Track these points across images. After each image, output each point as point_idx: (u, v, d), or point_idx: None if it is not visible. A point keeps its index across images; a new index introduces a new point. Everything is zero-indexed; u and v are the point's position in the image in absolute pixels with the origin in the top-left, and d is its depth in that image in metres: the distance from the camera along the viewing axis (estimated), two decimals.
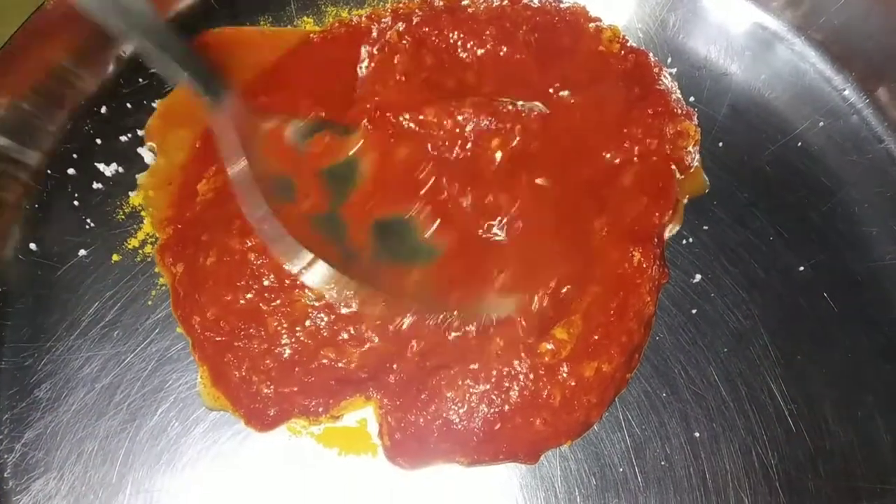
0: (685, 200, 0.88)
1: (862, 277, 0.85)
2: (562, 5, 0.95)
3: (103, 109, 0.92)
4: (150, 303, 0.83)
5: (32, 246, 0.85)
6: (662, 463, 0.77)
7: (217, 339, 0.78)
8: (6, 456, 0.76)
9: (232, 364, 0.78)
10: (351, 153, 0.83)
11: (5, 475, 0.76)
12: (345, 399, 0.78)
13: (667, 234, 0.86)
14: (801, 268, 0.85)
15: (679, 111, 0.89)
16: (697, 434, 0.78)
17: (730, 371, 0.81)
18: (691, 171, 0.89)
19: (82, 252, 0.85)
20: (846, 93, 0.94)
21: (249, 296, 0.78)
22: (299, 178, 0.81)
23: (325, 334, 0.78)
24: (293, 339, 0.78)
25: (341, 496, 0.76)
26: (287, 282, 0.78)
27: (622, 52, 0.93)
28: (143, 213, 0.87)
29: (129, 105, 0.92)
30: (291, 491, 0.76)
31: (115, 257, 0.85)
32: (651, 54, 0.93)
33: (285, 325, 0.77)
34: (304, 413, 0.77)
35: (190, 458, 0.77)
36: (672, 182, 0.86)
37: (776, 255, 0.85)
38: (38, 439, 0.77)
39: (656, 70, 0.92)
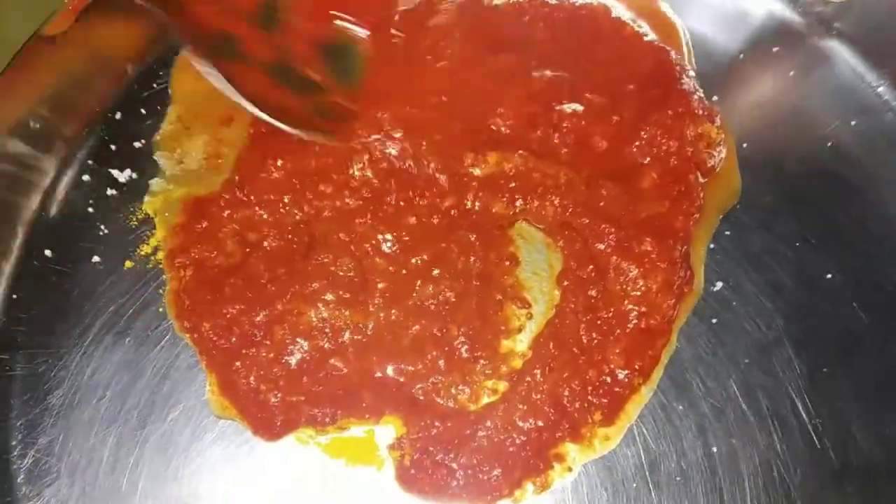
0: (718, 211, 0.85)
1: (894, 285, 0.80)
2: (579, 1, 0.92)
3: (118, 115, 0.92)
4: (161, 310, 0.83)
5: (48, 252, 0.85)
6: (678, 479, 0.75)
7: (225, 346, 0.78)
8: (20, 462, 0.77)
9: (240, 373, 0.77)
10: None
11: (19, 481, 0.77)
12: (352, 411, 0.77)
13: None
14: (829, 275, 0.81)
15: (700, 111, 0.86)
16: (715, 449, 0.75)
17: (751, 383, 0.77)
18: (718, 173, 0.85)
19: (96, 258, 0.85)
20: (880, 90, 0.89)
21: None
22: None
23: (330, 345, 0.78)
24: (299, 348, 0.78)
25: None
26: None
27: (642, 49, 0.90)
28: (155, 220, 0.87)
29: (143, 111, 0.92)
30: (297, 501, 0.75)
31: (127, 264, 0.85)
32: (672, 52, 0.89)
33: (291, 335, 0.77)
34: (311, 423, 0.76)
35: (198, 466, 0.77)
36: (693, 186, 0.83)
37: (803, 262, 0.82)
38: (51, 445, 0.78)
39: (678, 68, 0.88)
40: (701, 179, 0.84)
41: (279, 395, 0.76)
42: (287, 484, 0.76)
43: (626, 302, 0.78)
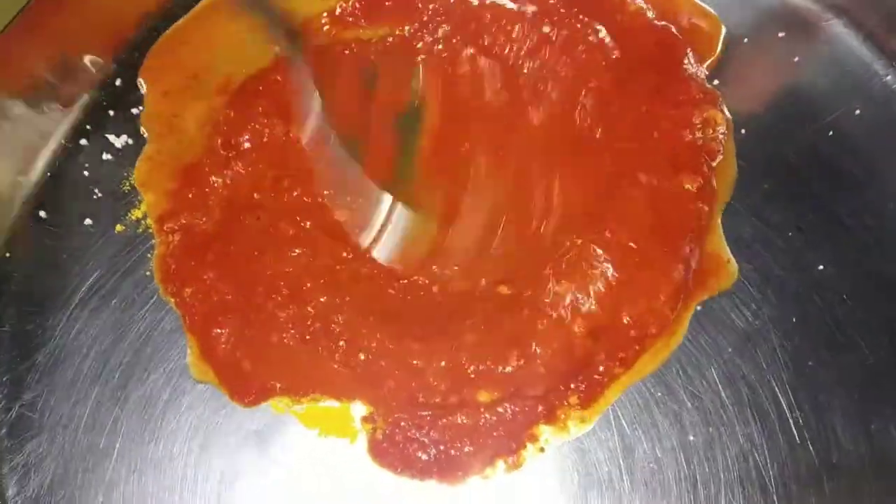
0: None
1: (889, 280, 0.78)
2: None
3: (118, 82, 0.93)
4: (148, 273, 0.84)
5: (42, 213, 0.87)
6: (651, 465, 0.74)
7: (205, 311, 0.79)
8: (4, 416, 0.79)
9: (218, 338, 0.78)
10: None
11: (1, 434, 0.78)
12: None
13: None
14: (822, 266, 0.79)
15: (700, 95, 0.84)
16: (692, 437, 0.74)
17: (732, 373, 0.76)
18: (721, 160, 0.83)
19: (88, 221, 0.86)
20: (888, 79, 0.86)
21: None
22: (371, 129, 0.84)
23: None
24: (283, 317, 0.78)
25: (320, 478, 0.75)
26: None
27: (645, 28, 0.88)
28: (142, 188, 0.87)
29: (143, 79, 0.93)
30: (270, 468, 0.76)
31: (118, 227, 0.86)
32: (674, 28, 0.87)
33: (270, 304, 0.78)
34: (286, 392, 0.77)
35: (173, 428, 0.77)
36: (708, 176, 0.81)
37: (795, 252, 0.79)
38: (35, 402, 0.79)
39: (679, 54, 0.86)
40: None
41: (254, 362, 0.77)
42: (258, 451, 0.76)
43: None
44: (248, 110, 0.85)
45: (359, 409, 0.77)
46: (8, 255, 0.85)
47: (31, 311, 0.83)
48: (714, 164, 0.81)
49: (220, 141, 0.85)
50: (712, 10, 0.90)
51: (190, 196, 0.84)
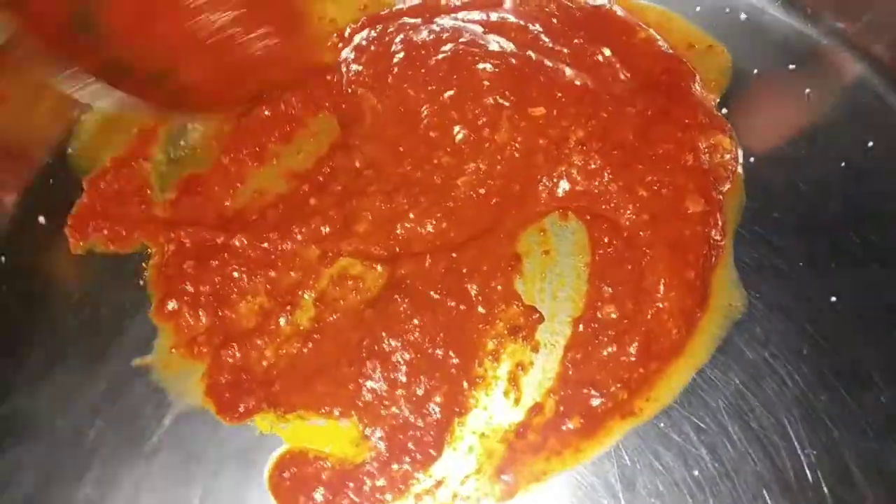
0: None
1: None
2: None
3: None
4: (141, 282, 0.82)
5: (41, 219, 0.86)
6: (653, 500, 0.70)
7: (193, 324, 0.78)
8: None
9: (205, 352, 0.77)
10: None
11: None
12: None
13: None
14: (834, 298, 0.76)
15: (706, 121, 0.82)
16: (697, 472, 0.70)
17: (740, 407, 0.72)
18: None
19: None
20: None
21: None
22: None
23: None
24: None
25: None
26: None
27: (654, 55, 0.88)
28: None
29: None
30: (253, 486, 0.73)
31: None
32: (683, 59, 0.87)
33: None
34: (272, 407, 0.74)
35: (156, 442, 0.75)
36: (716, 202, 0.79)
37: (805, 283, 0.77)
38: (18, 408, 0.77)
39: (686, 81, 0.86)
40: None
41: (242, 376, 0.75)
42: (240, 469, 0.73)
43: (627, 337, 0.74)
44: None
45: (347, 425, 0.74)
46: (3, 259, 0.85)
47: (25, 315, 0.81)
48: (723, 189, 0.80)
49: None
50: (720, 42, 0.89)
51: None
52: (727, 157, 0.81)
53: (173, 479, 0.73)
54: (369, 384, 0.73)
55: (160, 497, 0.73)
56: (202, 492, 0.73)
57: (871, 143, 0.83)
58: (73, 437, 0.76)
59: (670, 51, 0.88)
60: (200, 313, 0.78)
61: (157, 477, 0.74)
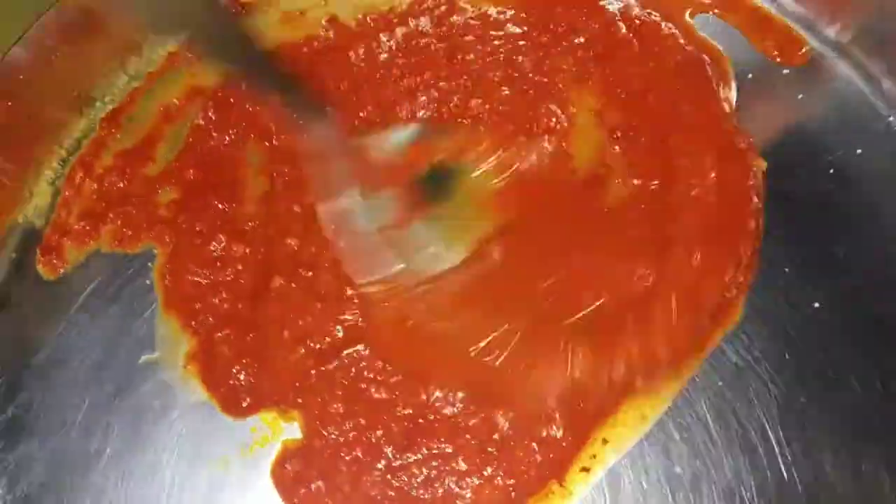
0: None
1: (884, 320, 0.77)
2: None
3: None
4: (148, 282, 0.85)
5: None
6: (637, 497, 0.73)
7: (201, 322, 0.81)
8: None
9: (212, 350, 0.79)
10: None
11: None
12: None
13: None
14: (817, 304, 0.78)
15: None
16: (678, 470, 0.74)
17: (722, 407, 0.75)
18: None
19: None
20: (891, 119, 0.86)
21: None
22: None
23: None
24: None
25: None
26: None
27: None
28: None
29: None
30: (257, 480, 0.76)
31: None
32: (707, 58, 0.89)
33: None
34: (275, 405, 0.77)
35: (163, 437, 0.78)
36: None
37: (789, 288, 0.79)
38: (30, 404, 0.81)
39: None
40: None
41: (247, 375, 0.78)
42: (246, 464, 0.77)
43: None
44: None
45: None
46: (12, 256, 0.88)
47: (33, 315, 0.84)
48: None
49: None
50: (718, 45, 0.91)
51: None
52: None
53: (180, 471, 0.77)
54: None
55: (168, 488, 0.77)
56: (208, 483, 0.76)
57: (859, 151, 0.84)
58: (83, 431, 0.79)
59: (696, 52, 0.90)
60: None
61: (164, 468, 0.77)
